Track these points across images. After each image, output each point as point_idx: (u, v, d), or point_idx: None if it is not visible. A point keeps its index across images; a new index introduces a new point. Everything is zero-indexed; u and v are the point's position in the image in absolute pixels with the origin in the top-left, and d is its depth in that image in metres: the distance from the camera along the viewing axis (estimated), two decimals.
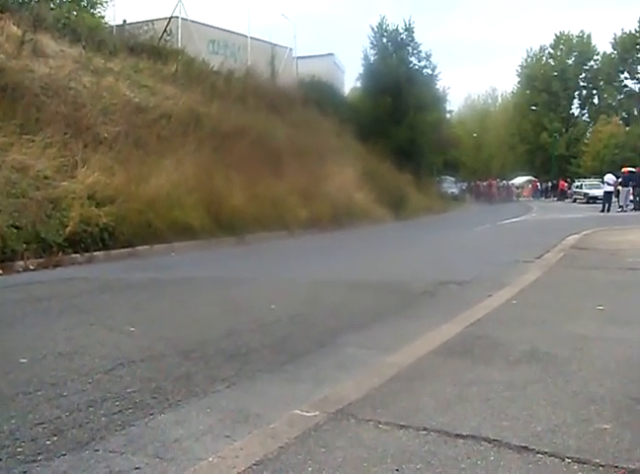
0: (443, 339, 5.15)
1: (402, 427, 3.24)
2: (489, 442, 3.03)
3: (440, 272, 9.95)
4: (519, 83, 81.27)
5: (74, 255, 11.46)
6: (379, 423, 3.30)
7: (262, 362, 4.79)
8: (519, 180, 68.35)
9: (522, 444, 3.00)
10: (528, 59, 79.80)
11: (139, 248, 12.66)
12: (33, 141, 13.23)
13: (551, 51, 78.26)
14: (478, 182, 62.43)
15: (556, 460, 2.85)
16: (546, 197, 63.29)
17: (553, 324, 5.76)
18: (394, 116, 32.86)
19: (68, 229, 11.53)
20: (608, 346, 4.90)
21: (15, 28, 16.94)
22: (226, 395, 4.08)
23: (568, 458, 2.86)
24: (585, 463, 2.82)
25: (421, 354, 4.69)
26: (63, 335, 5.69)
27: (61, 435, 3.40)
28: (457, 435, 3.12)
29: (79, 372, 4.49)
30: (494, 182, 60.48)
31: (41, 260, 10.80)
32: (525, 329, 5.52)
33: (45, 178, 12.66)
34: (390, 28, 37.17)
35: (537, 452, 2.92)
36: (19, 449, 3.23)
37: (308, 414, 3.43)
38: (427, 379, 4.05)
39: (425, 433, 3.16)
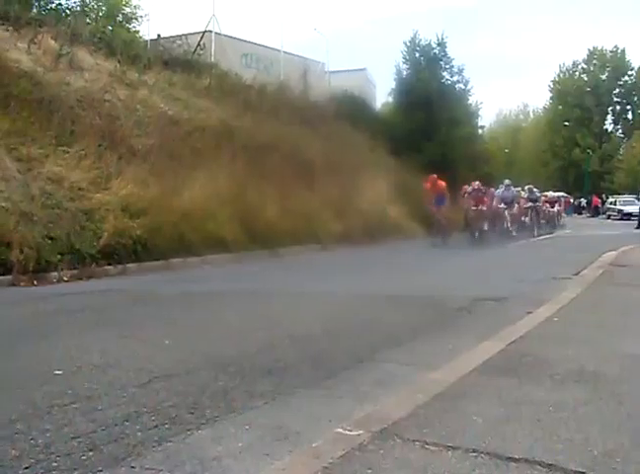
0: (486, 356, 4.99)
1: (450, 448, 3.10)
2: (543, 467, 2.88)
3: (475, 288, 9.78)
4: (551, 98, 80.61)
5: (107, 267, 11.45)
6: (426, 443, 3.16)
7: (299, 378, 4.67)
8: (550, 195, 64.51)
9: (580, 469, 2.85)
10: (561, 75, 79.18)
11: (172, 260, 12.62)
12: (68, 153, 13.31)
13: (584, 66, 77.57)
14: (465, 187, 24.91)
15: None
16: (579, 214, 62.53)
17: (598, 342, 5.58)
18: (426, 130, 32.64)
19: (102, 241, 11.54)
20: None
21: (52, 42, 17.11)
22: (264, 411, 3.97)
23: None
24: None
25: (464, 371, 4.54)
26: (97, 347, 5.63)
27: (97, 450, 3.31)
28: (509, 459, 2.97)
29: (114, 386, 4.41)
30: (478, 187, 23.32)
31: (75, 271, 10.81)
32: (570, 347, 5.34)
33: (80, 189, 12.71)
34: (423, 43, 37.06)
35: None
36: (54, 464, 3.15)
37: (352, 432, 3.30)
38: (472, 398, 3.91)
39: (474, 454, 3.02)
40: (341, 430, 3.36)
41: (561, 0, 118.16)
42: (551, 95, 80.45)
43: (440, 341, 5.99)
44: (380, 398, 4.07)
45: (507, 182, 25.59)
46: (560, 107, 77.16)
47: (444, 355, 5.12)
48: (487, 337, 5.80)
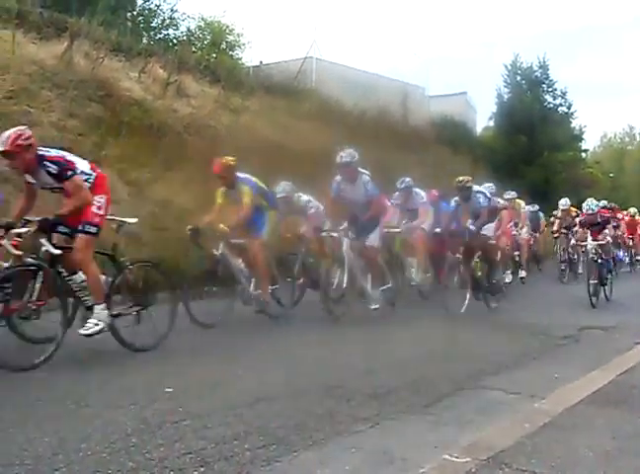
0: (594, 387, 4.88)
1: None
2: None
3: (580, 316, 9.56)
4: None
5: (213, 288, 11.68)
6: (535, 473, 3.12)
7: (403, 403, 4.68)
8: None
9: None
10: None
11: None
12: (175, 177, 13.71)
13: None
14: None
15: None
16: None
17: None
18: (528, 155, 32.18)
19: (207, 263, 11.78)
20: None
21: (161, 71, 17.75)
22: (369, 435, 4.00)
23: None
24: None
25: (572, 401, 4.46)
26: (205, 367, 5.78)
27: (208, 467, 3.41)
28: None
29: (223, 405, 4.53)
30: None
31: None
32: None
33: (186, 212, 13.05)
34: (524, 66, 36.55)
35: None
36: None
37: (459, 460, 3.30)
38: (581, 429, 3.84)
39: None
40: (447, 456, 3.36)
41: None
42: None
43: (544, 370, 5.89)
44: (486, 426, 4.04)
45: (404, 181, 12.63)
46: None
47: (550, 385, 5.05)
48: (595, 367, 5.68)
